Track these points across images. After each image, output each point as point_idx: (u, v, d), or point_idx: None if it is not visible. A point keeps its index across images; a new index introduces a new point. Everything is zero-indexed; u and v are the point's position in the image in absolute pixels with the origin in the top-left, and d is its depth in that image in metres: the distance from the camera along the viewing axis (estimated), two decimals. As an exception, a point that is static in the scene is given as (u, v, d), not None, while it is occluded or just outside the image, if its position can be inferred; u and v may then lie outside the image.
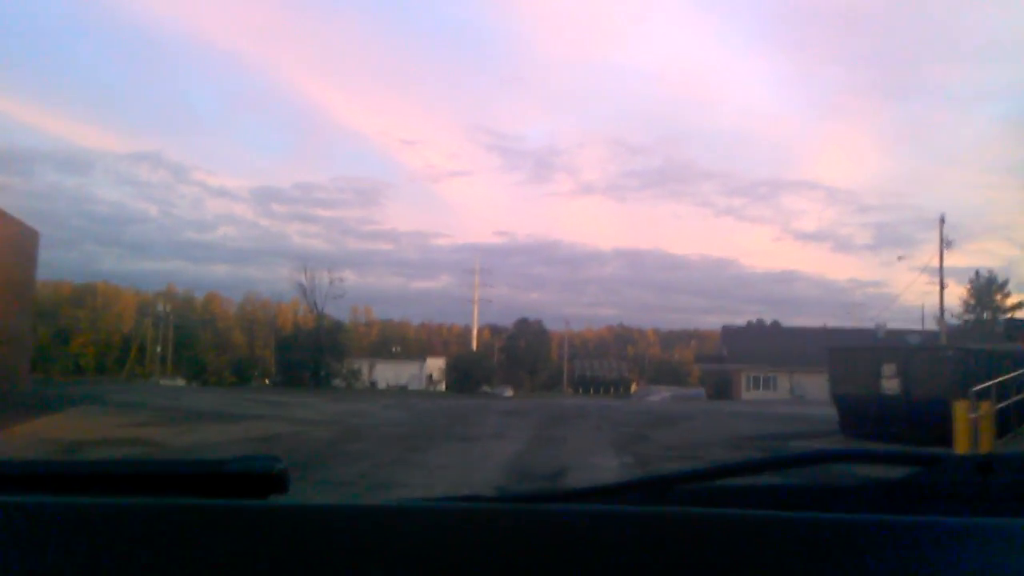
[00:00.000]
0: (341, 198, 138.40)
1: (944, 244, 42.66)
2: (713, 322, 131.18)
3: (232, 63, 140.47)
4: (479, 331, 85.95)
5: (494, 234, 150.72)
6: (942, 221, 42.81)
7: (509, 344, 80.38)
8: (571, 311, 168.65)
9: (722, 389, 49.95)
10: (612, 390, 79.42)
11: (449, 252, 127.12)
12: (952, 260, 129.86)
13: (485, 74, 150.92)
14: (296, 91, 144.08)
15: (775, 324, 57.33)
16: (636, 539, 0.86)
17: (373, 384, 65.10)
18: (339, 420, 19.10)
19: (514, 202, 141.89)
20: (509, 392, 61.68)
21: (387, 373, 67.17)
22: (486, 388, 62.39)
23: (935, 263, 43.18)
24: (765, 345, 51.06)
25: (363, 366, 64.61)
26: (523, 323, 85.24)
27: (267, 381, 64.07)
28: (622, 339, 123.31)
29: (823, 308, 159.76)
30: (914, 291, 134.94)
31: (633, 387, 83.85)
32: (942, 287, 43.10)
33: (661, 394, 74.83)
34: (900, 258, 49.35)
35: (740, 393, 49.71)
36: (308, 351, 59.41)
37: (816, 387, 48.63)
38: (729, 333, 54.66)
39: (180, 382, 66.59)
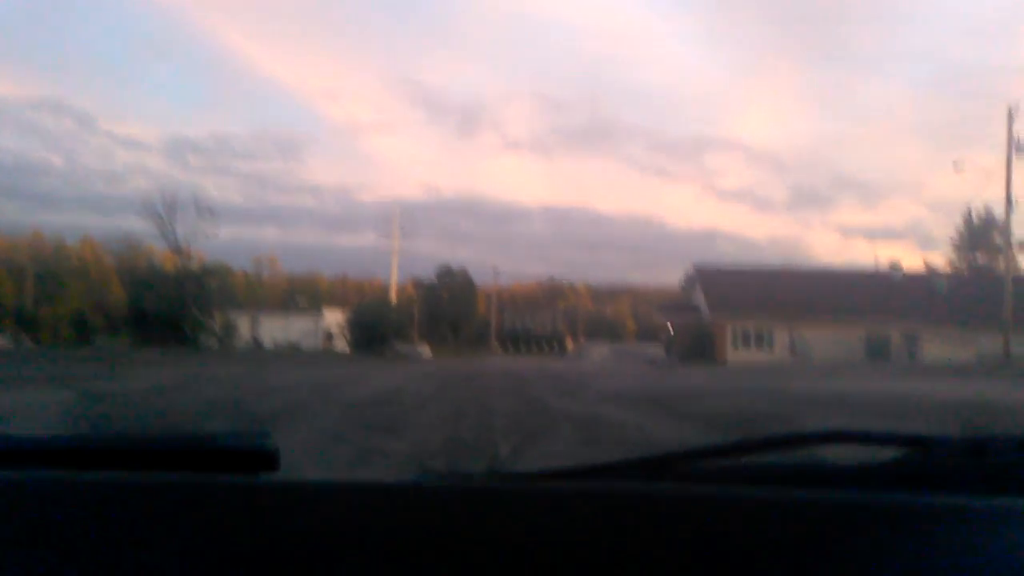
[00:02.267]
0: (260, 150, 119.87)
1: (1014, 146, 29.19)
2: (640, 279, 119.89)
3: (143, 5, 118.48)
4: (402, 286, 70.63)
5: (419, 189, 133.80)
6: (1011, 116, 29.33)
7: (430, 296, 64.95)
8: (499, 267, 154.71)
9: (700, 347, 35.72)
10: (546, 347, 65.78)
11: (373, 207, 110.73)
12: (863, 220, 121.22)
13: (409, 24, 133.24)
14: (212, 37, 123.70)
15: (760, 266, 43.36)
16: (633, 516, 0.83)
17: (257, 342, 49.34)
18: None
19: (440, 157, 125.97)
20: (426, 352, 46.55)
21: (276, 329, 51.39)
22: (399, 347, 47.10)
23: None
24: (751, 292, 37.05)
25: (243, 320, 48.59)
26: (447, 273, 69.96)
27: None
28: (553, 294, 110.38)
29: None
30: (827, 248, 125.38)
31: (569, 344, 70.45)
32: (1009, 198, 29.69)
33: (601, 351, 61.50)
34: (955, 163, 35.12)
35: (725, 352, 35.60)
36: (168, 301, 43.51)
37: (824, 342, 35.43)
38: (705, 276, 40.11)
39: (3, 342, 49.75)
